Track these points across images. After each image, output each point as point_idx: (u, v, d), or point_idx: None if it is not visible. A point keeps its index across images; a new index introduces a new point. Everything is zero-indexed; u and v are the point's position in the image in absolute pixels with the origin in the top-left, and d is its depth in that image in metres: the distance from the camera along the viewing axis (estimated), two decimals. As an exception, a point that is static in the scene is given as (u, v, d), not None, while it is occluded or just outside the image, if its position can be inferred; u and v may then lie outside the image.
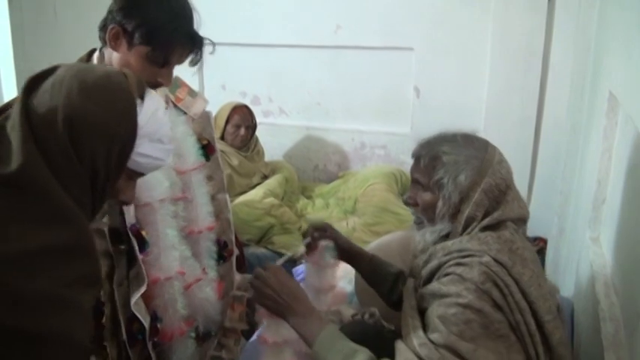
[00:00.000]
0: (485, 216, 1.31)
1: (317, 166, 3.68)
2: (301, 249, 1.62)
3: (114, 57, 1.53)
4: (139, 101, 1.04)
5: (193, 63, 1.59)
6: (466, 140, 1.36)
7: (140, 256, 1.50)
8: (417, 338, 1.21)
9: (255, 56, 3.61)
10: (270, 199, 2.96)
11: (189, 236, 1.69)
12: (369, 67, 3.41)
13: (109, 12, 1.52)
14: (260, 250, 2.78)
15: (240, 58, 3.63)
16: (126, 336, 1.48)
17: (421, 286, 1.36)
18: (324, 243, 1.57)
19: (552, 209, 2.94)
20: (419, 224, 1.42)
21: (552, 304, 1.28)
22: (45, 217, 0.90)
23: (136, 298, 1.48)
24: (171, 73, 1.58)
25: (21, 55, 2.62)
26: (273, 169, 3.33)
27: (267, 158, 3.40)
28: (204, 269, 1.73)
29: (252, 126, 3.15)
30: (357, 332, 1.48)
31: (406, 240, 2.00)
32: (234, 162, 3.02)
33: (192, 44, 1.54)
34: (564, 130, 2.80)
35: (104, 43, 1.53)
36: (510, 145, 3.18)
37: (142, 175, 1.10)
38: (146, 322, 1.52)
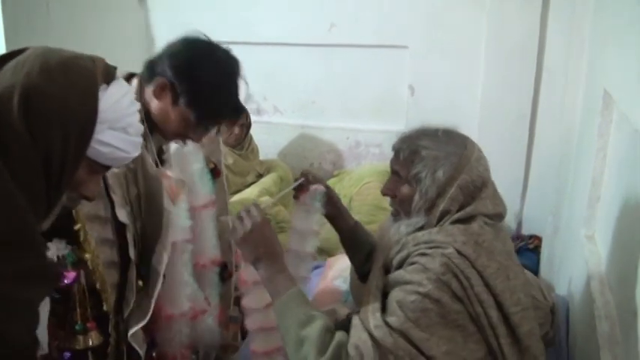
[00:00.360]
0: (459, 210, 1.33)
1: (312, 164, 3.67)
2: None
3: (153, 102, 1.50)
4: (103, 86, 0.99)
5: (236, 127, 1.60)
6: (446, 136, 1.38)
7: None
8: (374, 319, 1.24)
9: (249, 55, 3.55)
10: (265, 198, 2.95)
11: (194, 269, 1.68)
12: (364, 65, 3.40)
13: (160, 57, 1.50)
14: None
15: (234, 57, 3.62)
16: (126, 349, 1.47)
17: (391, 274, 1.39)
18: (315, 187, 1.55)
19: (547, 207, 2.95)
20: (395, 216, 1.44)
21: (523, 297, 1.30)
22: None
23: (134, 330, 1.43)
24: (204, 134, 1.58)
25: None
26: (267, 168, 3.32)
27: (261, 157, 3.39)
28: (206, 298, 1.73)
29: (246, 124, 3.14)
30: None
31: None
32: (229, 161, 3.01)
33: (235, 118, 1.55)
34: (559, 129, 2.80)
35: (146, 81, 1.51)
36: (505, 144, 3.23)
37: (106, 168, 1.05)
38: (142, 351, 1.49)
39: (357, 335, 1.22)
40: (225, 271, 1.87)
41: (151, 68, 1.50)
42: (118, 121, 1.01)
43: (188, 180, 1.64)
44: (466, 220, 1.32)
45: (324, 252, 2.57)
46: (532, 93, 3.01)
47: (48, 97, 0.92)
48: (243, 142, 3.15)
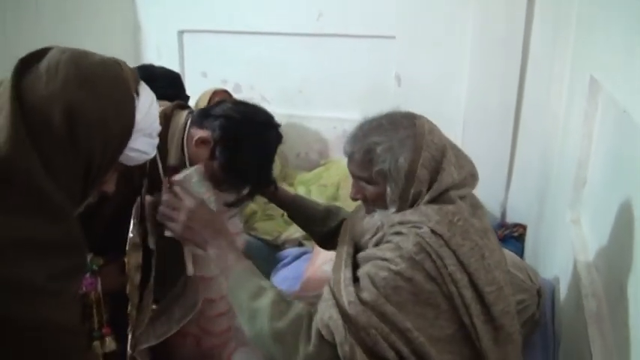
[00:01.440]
0: (428, 190, 1.32)
1: (299, 154, 3.68)
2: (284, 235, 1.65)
3: (192, 147, 1.49)
4: (135, 95, 1.02)
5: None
6: (391, 122, 1.35)
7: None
8: (347, 294, 1.21)
9: (236, 44, 3.59)
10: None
11: None
12: (351, 55, 3.41)
13: (216, 111, 1.50)
14: (243, 237, 2.77)
15: (222, 46, 3.61)
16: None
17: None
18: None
19: (531, 196, 2.99)
20: (369, 213, 1.42)
21: (498, 275, 1.29)
22: (31, 210, 0.88)
23: (143, 346, 1.45)
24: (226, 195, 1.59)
25: (2, 52, 2.57)
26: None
27: (248, 147, 3.38)
28: None
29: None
30: None
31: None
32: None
33: (259, 192, 1.61)
34: (544, 118, 2.84)
35: (194, 123, 1.51)
36: (490, 133, 3.26)
37: (126, 166, 1.09)
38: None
39: (328, 312, 1.20)
40: None
41: (204, 116, 1.51)
42: (149, 128, 1.06)
43: None
44: (439, 199, 1.31)
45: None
46: (517, 83, 3.04)
47: (89, 111, 0.95)
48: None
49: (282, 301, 1.24)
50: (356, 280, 1.26)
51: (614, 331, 1.35)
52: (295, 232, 2.82)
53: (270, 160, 1.57)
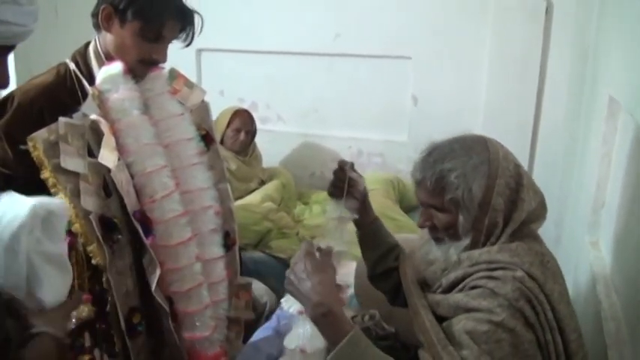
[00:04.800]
0: (506, 220, 1.26)
1: (313, 173, 3.67)
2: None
3: (107, 39, 1.58)
4: None
5: (186, 40, 1.66)
6: (464, 147, 1.29)
7: (147, 242, 1.48)
8: (448, 355, 1.15)
9: (253, 63, 3.62)
10: (268, 204, 2.95)
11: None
12: (367, 75, 3.42)
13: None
14: (257, 254, 2.76)
15: (239, 65, 3.64)
16: (125, 327, 1.47)
17: (437, 293, 1.31)
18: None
19: (548, 219, 2.92)
20: (439, 242, 1.35)
21: (577, 323, 1.25)
22: None
23: (154, 283, 1.48)
24: (165, 48, 1.63)
25: (21, 54, 2.61)
26: (270, 175, 3.33)
27: (264, 165, 3.39)
28: None
29: (252, 131, 3.15)
30: None
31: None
32: (233, 166, 3.01)
33: (182, 17, 1.61)
34: (561, 138, 2.82)
35: (98, 28, 1.59)
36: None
37: (8, 48, 1.00)
38: (166, 306, 1.53)
39: None
40: (228, 239, 1.88)
41: (96, 8, 1.59)
42: None
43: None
44: (520, 233, 1.25)
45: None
46: (534, 103, 3.03)
47: None
48: (247, 149, 3.16)
49: None
50: (440, 319, 1.21)
51: (635, 354, 1.32)
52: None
53: None
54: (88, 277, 1.38)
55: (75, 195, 1.37)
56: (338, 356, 1.12)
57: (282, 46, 3.52)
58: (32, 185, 1.24)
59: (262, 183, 3.24)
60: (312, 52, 3.48)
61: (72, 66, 1.61)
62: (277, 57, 3.56)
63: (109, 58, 1.59)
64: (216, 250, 1.74)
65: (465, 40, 3.15)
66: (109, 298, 1.43)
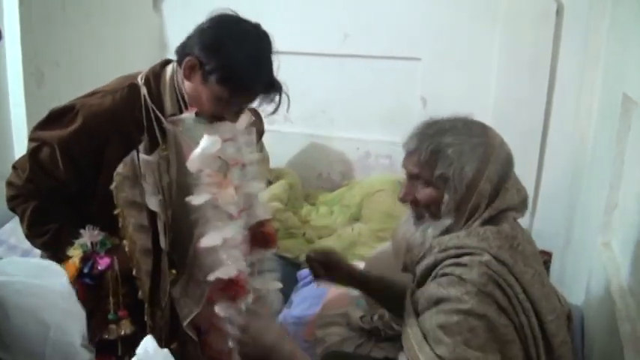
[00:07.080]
0: (487, 205, 1.24)
1: (320, 174, 3.65)
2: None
3: (186, 84, 1.49)
4: None
5: (274, 110, 1.59)
6: (466, 126, 1.28)
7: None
8: (424, 355, 1.13)
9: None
10: (275, 204, 2.94)
11: None
12: (376, 76, 3.41)
13: (189, 38, 1.49)
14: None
15: (247, 65, 3.63)
16: None
17: (416, 286, 1.28)
18: None
19: (558, 222, 2.92)
20: (419, 219, 1.32)
21: (555, 304, 1.23)
22: None
23: (188, 320, 1.44)
24: (240, 113, 1.56)
25: (29, 52, 2.61)
26: (277, 176, 3.32)
27: (271, 166, 3.38)
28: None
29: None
30: None
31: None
32: (239, 166, 3.00)
33: (269, 92, 1.53)
34: (571, 141, 2.79)
35: (179, 64, 1.50)
36: (516, 157, 3.16)
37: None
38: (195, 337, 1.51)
39: None
40: None
41: (182, 50, 1.49)
42: None
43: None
44: (495, 218, 1.23)
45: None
46: (544, 104, 3.00)
47: None
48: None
49: None
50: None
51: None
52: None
53: (263, 53, 1.53)
54: (123, 294, 1.37)
55: (136, 230, 1.37)
56: None
57: (291, 47, 3.49)
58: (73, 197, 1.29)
59: (269, 183, 3.22)
60: (320, 52, 3.47)
61: (144, 90, 1.49)
62: (285, 57, 3.50)
63: (182, 94, 1.52)
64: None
65: (475, 42, 3.13)
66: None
